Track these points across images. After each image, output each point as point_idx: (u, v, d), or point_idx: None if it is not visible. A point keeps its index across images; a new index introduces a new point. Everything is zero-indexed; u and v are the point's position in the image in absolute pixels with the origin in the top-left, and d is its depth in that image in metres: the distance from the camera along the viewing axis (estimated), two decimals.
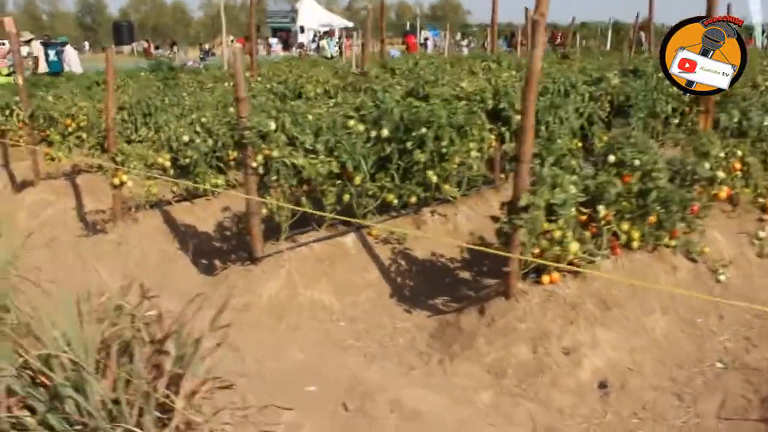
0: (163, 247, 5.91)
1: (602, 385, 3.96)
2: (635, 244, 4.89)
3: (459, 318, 4.43)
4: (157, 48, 39.36)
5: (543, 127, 6.75)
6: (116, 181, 5.89)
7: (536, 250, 4.33)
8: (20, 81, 7.18)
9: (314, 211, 4.78)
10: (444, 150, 5.45)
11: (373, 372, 3.98)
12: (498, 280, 5.52)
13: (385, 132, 5.00)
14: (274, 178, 4.69)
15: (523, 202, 4.06)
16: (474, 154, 5.67)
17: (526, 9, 9.49)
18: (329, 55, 21.70)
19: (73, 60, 16.84)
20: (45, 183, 7.49)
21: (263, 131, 4.63)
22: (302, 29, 43.41)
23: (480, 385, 3.86)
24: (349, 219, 4.89)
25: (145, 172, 5.98)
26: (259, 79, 8.73)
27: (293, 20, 45.59)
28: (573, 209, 4.29)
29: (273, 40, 42.43)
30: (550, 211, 4.24)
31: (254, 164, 4.70)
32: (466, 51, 31.01)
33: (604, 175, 4.64)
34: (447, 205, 6.11)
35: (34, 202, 7.22)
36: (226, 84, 8.91)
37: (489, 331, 4.18)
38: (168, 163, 6.06)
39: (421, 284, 5.27)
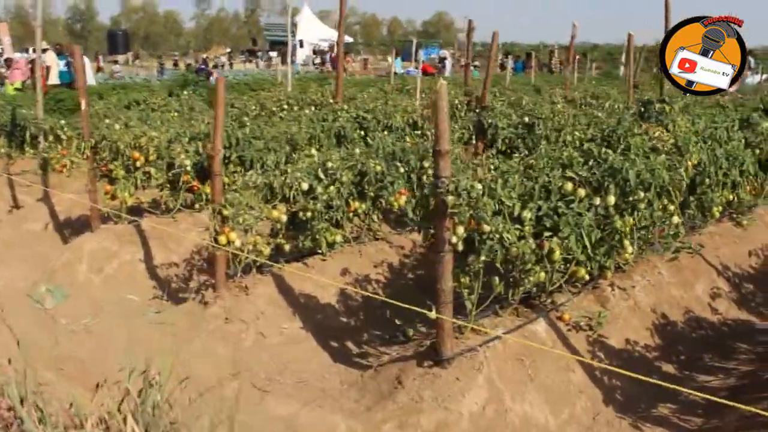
0: (282, 323, 4.72)
1: None
2: None
3: None
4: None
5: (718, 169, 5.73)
6: (223, 239, 4.69)
7: None
8: (83, 105, 5.94)
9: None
10: (644, 215, 4.39)
11: None
12: (713, 377, 4.51)
13: (611, 200, 3.89)
14: (483, 258, 3.56)
15: None
16: (675, 219, 4.60)
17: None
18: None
19: (86, 71, 15.53)
20: (105, 228, 6.25)
21: (470, 196, 3.51)
22: (301, 43, 42.33)
23: None
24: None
25: (254, 229, 4.82)
26: (346, 107, 7.57)
27: (293, 34, 44.43)
28: None
29: (273, 54, 41.27)
30: None
31: (454, 239, 3.56)
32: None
33: None
34: (620, 275, 5.04)
35: (93, 251, 5.96)
36: (308, 111, 7.73)
37: None
38: (284, 218, 4.89)
39: (631, 385, 4.17)
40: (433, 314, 3.90)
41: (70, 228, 7.14)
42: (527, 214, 3.75)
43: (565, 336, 4.28)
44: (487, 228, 3.53)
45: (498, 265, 3.68)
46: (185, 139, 6.59)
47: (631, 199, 4.05)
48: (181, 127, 6.79)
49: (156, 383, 2.17)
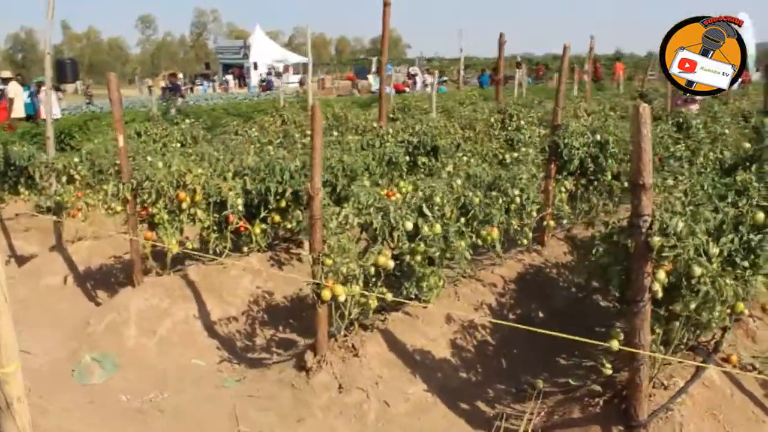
0: (404, 388, 4.08)
1: None
2: None
3: None
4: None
5: None
6: (326, 294, 4.05)
7: None
8: (120, 142, 5.21)
9: None
10: None
11: None
12: None
13: None
14: (694, 306, 3.04)
15: None
16: None
17: None
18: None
19: (53, 103, 14.49)
20: (151, 281, 5.49)
21: (679, 235, 2.99)
22: (255, 65, 41.75)
23: None
24: None
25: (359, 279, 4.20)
26: (390, 131, 7.00)
27: (245, 56, 43.85)
28: None
29: (229, 77, 40.44)
30: None
31: (656, 286, 3.04)
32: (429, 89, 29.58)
33: None
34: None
35: (141, 310, 5.20)
36: (352, 136, 7.06)
37: None
38: (392, 264, 4.28)
39: None
40: (608, 370, 3.40)
41: (93, 280, 6.33)
42: (715, 250, 3.26)
43: (739, 381, 3.79)
44: (698, 271, 3.01)
45: (700, 311, 3.16)
46: (229, 174, 5.94)
47: None
48: (220, 161, 6.11)
49: None
